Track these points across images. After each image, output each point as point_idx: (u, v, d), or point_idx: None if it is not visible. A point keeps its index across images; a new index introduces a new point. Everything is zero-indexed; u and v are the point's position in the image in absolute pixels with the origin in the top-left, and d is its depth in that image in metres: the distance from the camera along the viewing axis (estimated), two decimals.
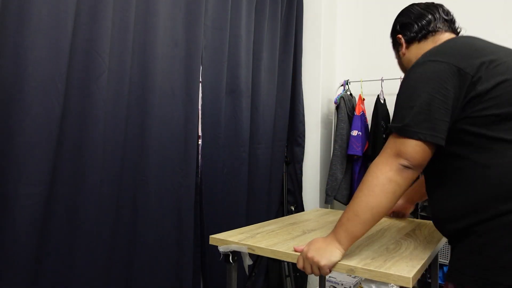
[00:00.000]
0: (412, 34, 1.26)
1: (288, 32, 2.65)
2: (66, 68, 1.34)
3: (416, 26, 1.26)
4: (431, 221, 1.59)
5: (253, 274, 1.83)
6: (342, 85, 2.96)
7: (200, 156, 1.97)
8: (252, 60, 2.29)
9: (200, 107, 1.95)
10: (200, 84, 1.95)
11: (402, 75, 2.71)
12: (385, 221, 1.54)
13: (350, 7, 3.16)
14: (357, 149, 2.63)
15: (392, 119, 1.05)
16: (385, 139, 2.67)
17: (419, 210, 2.43)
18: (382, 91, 2.76)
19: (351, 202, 1.00)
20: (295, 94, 2.70)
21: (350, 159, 2.64)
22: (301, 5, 2.80)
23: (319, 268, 0.98)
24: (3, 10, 1.20)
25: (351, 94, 2.94)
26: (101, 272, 1.49)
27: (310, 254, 0.99)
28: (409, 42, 1.27)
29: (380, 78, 2.79)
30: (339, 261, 0.98)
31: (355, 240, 0.99)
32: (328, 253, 0.98)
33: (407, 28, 1.28)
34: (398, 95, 1.05)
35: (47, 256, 1.33)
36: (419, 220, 1.58)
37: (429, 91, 0.95)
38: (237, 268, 1.24)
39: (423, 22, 1.26)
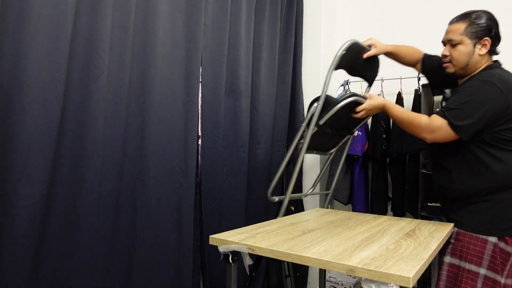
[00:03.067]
0: (494, 47, 1.57)
1: (288, 32, 2.64)
2: (66, 68, 1.34)
3: (498, 42, 1.59)
4: (431, 221, 1.59)
5: (253, 274, 1.84)
6: (342, 85, 2.96)
7: (199, 156, 1.97)
8: (252, 60, 2.29)
9: (199, 107, 1.95)
10: (200, 84, 1.95)
11: (402, 75, 2.71)
12: (385, 221, 1.54)
13: (350, 7, 3.16)
14: (357, 149, 2.63)
15: (454, 107, 1.47)
16: (385, 139, 2.67)
17: (419, 210, 2.43)
18: (382, 91, 2.76)
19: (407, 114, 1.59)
20: (295, 94, 2.69)
21: (350, 159, 2.64)
22: (301, 5, 2.80)
23: None
24: (3, 10, 1.20)
25: None
26: (101, 272, 1.49)
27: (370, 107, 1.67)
28: (488, 50, 1.56)
29: (380, 78, 2.79)
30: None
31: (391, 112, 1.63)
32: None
33: (495, 38, 1.57)
34: (470, 92, 1.47)
35: (47, 256, 1.33)
36: (419, 220, 1.58)
37: (485, 110, 1.43)
38: (237, 268, 1.24)
39: (499, 42, 1.60)
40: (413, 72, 2.73)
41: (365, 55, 1.79)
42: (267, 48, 2.43)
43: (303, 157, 1.66)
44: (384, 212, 2.71)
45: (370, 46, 1.81)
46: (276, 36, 2.50)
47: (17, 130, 1.22)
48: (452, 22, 1.61)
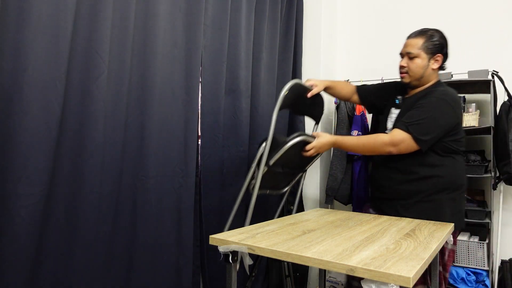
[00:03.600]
0: (443, 64, 1.79)
1: (288, 32, 2.64)
2: (66, 68, 1.34)
3: (446, 59, 1.80)
4: (431, 221, 1.59)
5: (253, 274, 1.83)
6: None
7: (199, 156, 1.97)
8: (252, 60, 2.29)
9: (199, 107, 1.95)
10: (200, 84, 1.95)
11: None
12: (385, 221, 1.54)
13: (350, 7, 3.16)
14: None
15: (416, 123, 1.64)
16: None
17: None
18: None
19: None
20: None
21: (350, 159, 2.64)
22: (301, 5, 2.79)
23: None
24: (3, 10, 1.20)
25: None
26: (101, 272, 1.49)
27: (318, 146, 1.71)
28: (439, 65, 1.77)
29: (380, 78, 2.79)
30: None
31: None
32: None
33: (445, 56, 1.79)
34: (429, 109, 1.65)
35: (47, 256, 1.33)
36: (419, 220, 1.58)
37: (442, 126, 1.66)
38: (237, 268, 1.24)
39: (447, 59, 1.82)
40: None
41: (309, 94, 1.86)
42: (267, 48, 2.43)
43: (255, 197, 1.65)
44: None
45: (311, 86, 1.89)
46: (276, 36, 2.50)
47: (17, 130, 1.22)
48: (410, 36, 1.78)
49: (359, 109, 2.72)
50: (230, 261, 1.21)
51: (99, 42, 1.44)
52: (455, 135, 1.69)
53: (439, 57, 1.75)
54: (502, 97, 2.35)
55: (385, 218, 1.62)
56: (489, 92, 2.35)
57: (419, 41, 1.73)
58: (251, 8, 2.27)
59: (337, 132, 2.72)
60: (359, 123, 2.67)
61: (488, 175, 2.30)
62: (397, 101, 1.83)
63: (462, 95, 2.49)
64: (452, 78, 2.42)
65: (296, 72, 2.72)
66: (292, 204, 2.59)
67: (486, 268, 2.25)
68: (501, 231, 2.48)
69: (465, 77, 2.39)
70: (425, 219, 1.63)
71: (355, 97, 2.06)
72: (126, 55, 1.56)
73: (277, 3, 2.50)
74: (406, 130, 1.62)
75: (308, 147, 1.70)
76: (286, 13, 2.63)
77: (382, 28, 3.01)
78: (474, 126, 2.34)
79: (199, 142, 1.96)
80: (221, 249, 1.19)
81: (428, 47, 1.72)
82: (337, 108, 2.77)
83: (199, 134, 1.96)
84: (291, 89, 1.73)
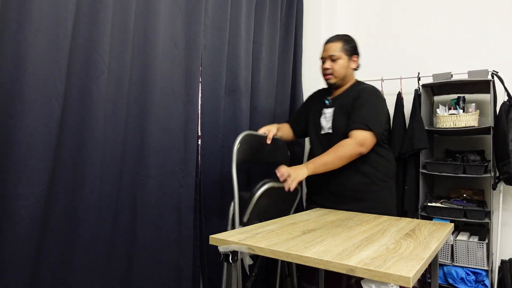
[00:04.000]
0: (358, 64, 1.97)
1: (288, 32, 2.64)
2: (66, 68, 1.34)
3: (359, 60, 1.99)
4: (431, 221, 1.59)
5: (253, 274, 1.83)
6: None
7: (199, 156, 1.97)
8: (252, 60, 2.29)
9: (199, 107, 1.95)
10: (200, 84, 1.95)
11: (402, 75, 2.71)
12: (385, 221, 1.54)
13: (350, 7, 3.16)
14: None
15: (370, 118, 1.76)
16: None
17: (419, 210, 2.43)
18: (382, 91, 2.76)
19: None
20: (295, 94, 2.69)
21: None
22: (301, 5, 2.79)
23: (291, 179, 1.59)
24: (3, 10, 1.20)
25: None
26: (101, 272, 1.49)
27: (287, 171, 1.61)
28: (356, 65, 1.95)
29: (380, 78, 2.79)
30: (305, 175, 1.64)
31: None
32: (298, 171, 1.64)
33: (358, 56, 1.96)
34: (368, 105, 1.80)
35: (47, 256, 1.33)
36: (419, 220, 1.58)
37: (385, 117, 1.90)
38: (237, 268, 1.24)
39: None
40: (413, 72, 2.73)
41: (268, 141, 1.92)
42: (267, 48, 2.43)
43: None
44: None
45: (265, 133, 1.94)
46: (276, 36, 2.50)
47: (17, 130, 1.22)
48: (329, 41, 1.92)
49: None
50: (230, 261, 1.21)
51: (99, 42, 1.44)
52: (386, 125, 1.89)
53: (356, 57, 1.93)
54: (502, 97, 2.35)
55: (385, 218, 1.62)
56: (489, 92, 2.35)
57: (339, 45, 1.89)
58: (251, 8, 2.27)
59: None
60: None
61: (488, 175, 2.30)
62: (327, 102, 1.96)
63: (462, 95, 2.49)
64: (452, 78, 2.43)
65: (296, 72, 2.72)
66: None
67: (485, 268, 2.25)
68: (501, 231, 2.48)
69: (465, 77, 2.39)
70: (371, 210, 1.75)
71: (291, 134, 2.14)
72: (126, 55, 1.56)
73: (277, 3, 2.50)
74: (367, 128, 1.74)
75: (288, 184, 1.59)
76: (286, 13, 2.63)
77: (382, 28, 3.01)
78: (474, 126, 2.34)
79: (199, 142, 1.96)
80: (221, 249, 1.19)
81: (347, 49, 1.89)
82: None
83: (199, 134, 1.96)
84: (244, 141, 1.74)
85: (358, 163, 1.80)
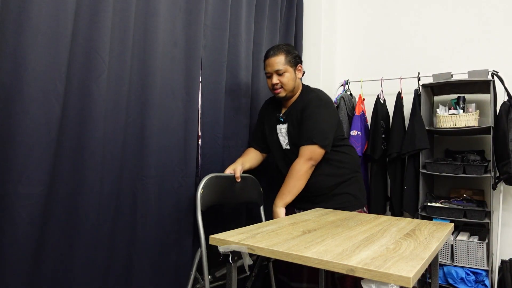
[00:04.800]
0: (303, 71, 1.98)
1: (288, 32, 2.64)
2: (66, 68, 1.34)
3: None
4: (431, 221, 1.59)
5: (253, 274, 1.83)
6: (342, 85, 2.96)
7: (199, 156, 1.97)
8: (252, 60, 2.29)
9: (200, 107, 1.95)
10: (200, 84, 1.95)
11: (401, 75, 2.71)
12: (385, 221, 1.54)
13: (350, 7, 3.16)
14: (357, 149, 2.63)
15: (315, 133, 1.84)
16: (384, 139, 2.67)
17: (419, 210, 2.43)
18: (382, 91, 2.76)
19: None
20: None
21: None
22: (301, 5, 2.79)
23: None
24: (3, 10, 1.20)
25: (351, 94, 2.94)
26: (101, 272, 1.49)
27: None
28: (302, 74, 1.97)
29: (380, 78, 2.79)
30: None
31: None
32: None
33: (302, 64, 1.98)
34: (315, 118, 1.85)
35: (47, 256, 1.33)
36: (419, 220, 1.58)
37: (333, 126, 1.92)
38: (237, 268, 1.24)
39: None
40: (413, 72, 2.73)
41: (237, 179, 1.90)
42: (267, 48, 2.43)
43: None
44: (383, 212, 2.71)
45: (231, 172, 1.90)
46: (276, 36, 2.50)
47: (17, 130, 1.22)
48: (271, 56, 1.88)
49: (359, 109, 2.72)
50: (230, 261, 1.21)
51: (99, 42, 1.43)
52: (339, 130, 1.98)
53: (300, 66, 1.94)
54: (502, 97, 2.35)
55: (385, 218, 1.62)
56: (489, 92, 2.35)
57: (282, 58, 1.87)
58: (251, 8, 2.27)
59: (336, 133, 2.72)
60: (359, 123, 2.68)
61: (488, 175, 2.30)
62: (281, 119, 1.97)
63: (462, 95, 2.49)
64: (452, 78, 2.43)
65: None
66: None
67: (485, 268, 2.25)
68: (501, 231, 2.48)
69: (465, 77, 2.39)
70: (342, 207, 1.85)
71: (260, 155, 2.12)
72: (126, 55, 1.56)
73: (277, 3, 2.50)
74: (312, 142, 1.82)
75: None
76: (286, 13, 2.63)
77: (382, 28, 3.01)
78: (474, 126, 2.34)
79: (199, 142, 1.96)
80: (221, 249, 1.19)
81: (291, 61, 1.89)
82: (337, 108, 2.77)
83: (199, 134, 1.96)
84: (209, 185, 1.72)
85: (323, 166, 1.89)
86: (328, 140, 1.86)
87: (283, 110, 1.99)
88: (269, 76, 1.91)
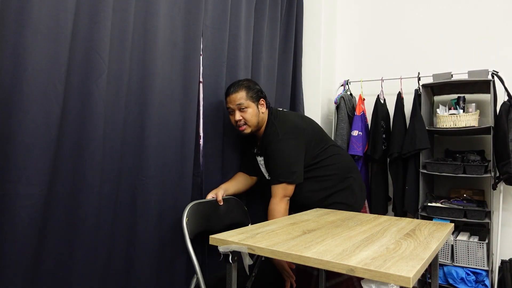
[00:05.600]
0: (267, 104, 1.96)
1: (288, 32, 2.64)
2: (66, 68, 1.34)
3: (266, 99, 1.97)
4: (431, 221, 1.59)
5: (253, 274, 1.83)
6: (342, 85, 2.96)
7: (201, 156, 1.97)
8: (252, 60, 2.29)
9: (201, 107, 1.96)
10: (201, 84, 1.95)
11: (402, 75, 2.71)
12: (385, 221, 1.54)
13: (350, 7, 3.16)
14: (357, 149, 2.63)
15: (279, 172, 1.84)
16: (385, 139, 2.67)
17: (419, 210, 2.43)
18: (382, 91, 2.77)
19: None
20: (295, 94, 2.69)
21: None
22: (301, 5, 2.79)
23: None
24: (3, 10, 1.20)
25: (351, 94, 2.94)
26: (100, 271, 1.49)
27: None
28: (265, 107, 1.94)
29: (380, 78, 2.79)
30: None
31: None
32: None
33: (265, 97, 1.96)
34: (279, 154, 1.84)
35: (47, 256, 1.33)
36: (419, 220, 1.58)
37: (299, 156, 1.87)
38: (237, 268, 1.24)
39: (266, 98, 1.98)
40: (413, 72, 2.73)
41: (220, 202, 1.88)
42: (267, 48, 2.43)
43: None
44: (384, 212, 2.71)
45: (213, 197, 1.88)
46: (276, 36, 2.50)
47: (17, 130, 1.22)
48: (232, 92, 1.86)
49: (360, 109, 2.72)
50: (230, 261, 1.21)
51: (99, 42, 1.43)
52: (317, 145, 1.92)
53: (263, 101, 1.92)
54: (502, 97, 2.35)
55: (385, 218, 1.62)
56: (489, 92, 2.35)
57: (243, 93, 1.85)
58: (251, 8, 2.27)
59: (337, 132, 2.72)
60: (359, 123, 2.67)
61: (488, 175, 2.30)
62: (257, 152, 1.98)
63: (462, 95, 2.49)
64: (452, 78, 2.43)
65: (296, 72, 2.72)
66: None
67: (486, 268, 2.25)
68: (501, 231, 2.48)
69: (465, 77, 2.39)
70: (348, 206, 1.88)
71: (251, 179, 2.11)
72: (126, 55, 1.56)
73: (277, 3, 2.50)
74: (278, 182, 1.83)
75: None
76: (286, 13, 2.63)
77: (382, 28, 3.01)
78: (474, 126, 2.34)
79: (201, 142, 1.96)
80: (221, 249, 1.19)
81: (252, 97, 1.87)
82: (337, 108, 2.78)
83: (201, 134, 1.96)
84: (192, 213, 1.70)
85: (307, 184, 1.89)
86: (296, 174, 1.84)
87: (258, 143, 1.99)
88: (231, 112, 1.89)
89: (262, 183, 2.11)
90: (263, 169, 2.00)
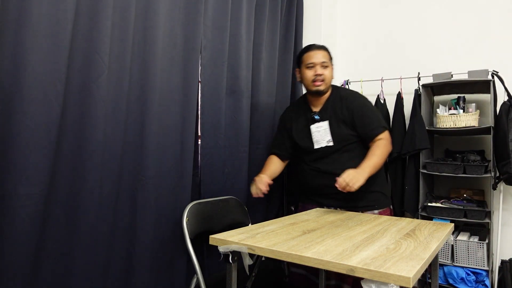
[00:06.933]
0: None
1: (288, 32, 2.64)
2: (66, 68, 1.34)
3: None
4: (431, 221, 1.59)
5: (253, 274, 1.83)
6: (342, 85, 2.96)
7: (200, 156, 1.96)
8: (252, 60, 2.29)
9: (200, 107, 1.95)
10: (200, 84, 1.95)
11: (402, 75, 2.71)
12: (385, 221, 1.54)
13: (350, 7, 3.16)
14: None
15: (380, 120, 1.95)
16: None
17: (419, 210, 2.43)
18: (382, 91, 2.76)
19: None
20: (295, 94, 2.69)
21: None
22: (301, 5, 2.79)
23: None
24: (3, 10, 1.20)
25: None
26: (100, 271, 1.48)
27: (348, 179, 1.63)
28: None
29: (380, 78, 2.79)
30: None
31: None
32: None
33: None
34: (369, 108, 1.97)
35: (46, 256, 1.32)
36: (419, 220, 1.58)
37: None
38: (237, 268, 1.24)
39: None
40: (413, 72, 2.73)
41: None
42: (267, 48, 2.43)
43: None
44: None
45: (258, 193, 1.88)
46: (276, 36, 2.50)
47: (17, 130, 1.22)
48: (318, 48, 1.95)
49: None
50: (230, 261, 1.21)
51: (99, 42, 1.43)
52: None
53: (332, 66, 2.01)
54: (502, 97, 2.35)
55: (385, 218, 1.62)
56: (489, 92, 2.35)
57: (326, 54, 1.95)
58: (251, 8, 2.27)
59: None
60: None
61: (488, 175, 2.30)
62: (317, 117, 1.96)
63: (462, 95, 2.49)
64: (452, 78, 2.43)
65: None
66: (292, 204, 2.59)
67: (486, 268, 2.25)
68: (501, 231, 2.48)
69: (465, 77, 2.39)
70: (372, 205, 1.91)
71: (282, 164, 2.12)
72: (126, 55, 1.56)
73: (277, 3, 2.50)
74: (384, 128, 1.90)
75: (339, 187, 1.65)
76: (286, 13, 2.63)
77: (382, 28, 3.01)
78: (474, 126, 2.34)
79: (199, 142, 1.96)
80: (221, 249, 1.19)
81: (331, 59, 1.98)
82: None
83: (199, 134, 1.96)
84: (193, 213, 1.69)
85: (358, 160, 1.82)
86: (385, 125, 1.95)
87: (315, 109, 1.99)
88: (311, 67, 1.92)
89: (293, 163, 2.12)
90: (319, 137, 1.96)
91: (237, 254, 1.21)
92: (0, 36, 1.20)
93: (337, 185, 1.65)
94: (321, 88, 1.92)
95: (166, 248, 1.75)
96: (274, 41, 2.48)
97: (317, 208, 1.85)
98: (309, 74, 1.92)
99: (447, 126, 2.42)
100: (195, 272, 1.61)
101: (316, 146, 1.96)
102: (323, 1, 2.85)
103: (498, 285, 2.35)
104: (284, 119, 2.15)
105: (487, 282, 2.24)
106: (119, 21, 1.53)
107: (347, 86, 2.92)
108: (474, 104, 2.46)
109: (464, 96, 2.48)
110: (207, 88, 1.98)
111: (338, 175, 1.68)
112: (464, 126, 2.36)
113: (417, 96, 2.52)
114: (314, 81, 1.91)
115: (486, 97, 2.53)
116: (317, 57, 1.92)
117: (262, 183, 1.86)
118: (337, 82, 3.04)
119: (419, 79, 2.60)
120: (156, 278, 1.70)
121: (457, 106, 2.45)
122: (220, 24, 2.04)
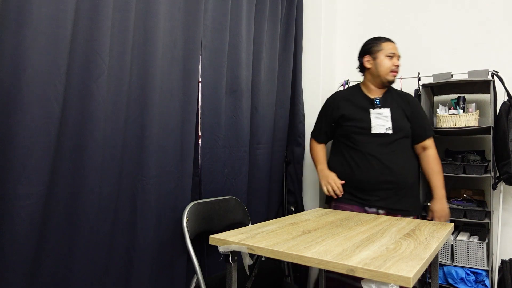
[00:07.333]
0: None
1: (288, 32, 2.64)
2: (66, 68, 1.34)
3: None
4: (431, 221, 1.59)
5: (253, 274, 1.83)
6: (342, 85, 2.96)
7: (200, 156, 1.96)
8: (252, 60, 2.29)
9: (200, 107, 1.95)
10: (200, 84, 1.95)
11: (402, 75, 2.71)
12: (385, 221, 1.54)
13: (350, 7, 3.16)
14: None
15: (429, 126, 2.09)
16: None
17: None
18: None
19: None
20: (295, 94, 2.69)
21: None
22: (301, 5, 2.79)
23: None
24: (3, 10, 1.20)
25: None
26: (100, 271, 1.48)
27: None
28: None
29: None
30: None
31: None
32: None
33: None
34: (424, 111, 2.11)
35: (46, 256, 1.33)
36: (419, 220, 1.59)
37: None
38: (237, 268, 1.24)
39: None
40: (413, 72, 2.73)
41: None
42: (267, 48, 2.43)
43: None
44: None
45: (333, 192, 2.02)
46: (276, 36, 2.50)
47: (17, 130, 1.22)
48: (392, 41, 2.06)
49: None
50: (230, 261, 1.21)
51: (99, 42, 1.43)
52: None
53: None
54: (502, 97, 2.35)
55: (385, 218, 1.62)
56: (489, 92, 2.35)
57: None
58: (251, 8, 2.27)
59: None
60: None
61: (488, 175, 2.30)
62: (378, 102, 2.01)
63: (462, 95, 2.49)
64: (452, 78, 2.43)
65: (296, 72, 2.72)
66: (292, 204, 2.60)
67: (485, 268, 2.25)
68: (501, 231, 2.48)
69: (465, 77, 2.39)
70: (409, 209, 1.96)
71: (324, 149, 2.21)
72: (126, 55, 1.56)
73: (277, 3, 2.50)
74: (432, 135, 2.05)
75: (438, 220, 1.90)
76: (286, 13, 2.63)
77: (382, 28, 3.01)
78: (474, 126, 2.34)
79: (199, 142, 1.96)
80: (221, 249, 1.19)
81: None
82: None
83: (200, 134, 1.96)
84: (193, 213, 1.71)
85: (413, 161, 2.02)
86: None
87: (374, 96, 2.05)
88: (391, 56, 2.00)
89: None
90: (379, 122, 1.98)
91: (237, 254, 1.21)
92: (0, 36, 1.20)
93: (436, 218, 1.91)
94: (395, 78, 2.02)
95: (166, 248, 1.75)
96: (274, 41, 2.48)
97: (317, 208, 1.85)
98: (389, 63, 1.99)
99: (447, 126, 2.42)
100: (195, 272, 1.61)
101: (374, 131, 1.96)
102: (323, 1, 2.85)
103: (498, 285, 2.35)
104: (334, 100, 2.14)
105: (487, 282, 2.24)
106: (119, 21, 1.53)
107: (347, 86, 2.92)
108: (474, 104, 2.46)
109: (464, 96, 2.47)
110: (207, 88, 1.98)
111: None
112: (464, 126, 2.36)
113: (417, 96, 2.52)
114: (392, 71, 1.99)
115: (486, 97, 2.53)
116: (395, 49, 2.00)
117: (338, 188, 1.96)
118: (337, 82, 3.05)
119: (419, 79, 2.60)
120: (156, 278, 1.70)
121: (457, 106, 2.45)
122: (220, 24, 2.04)
